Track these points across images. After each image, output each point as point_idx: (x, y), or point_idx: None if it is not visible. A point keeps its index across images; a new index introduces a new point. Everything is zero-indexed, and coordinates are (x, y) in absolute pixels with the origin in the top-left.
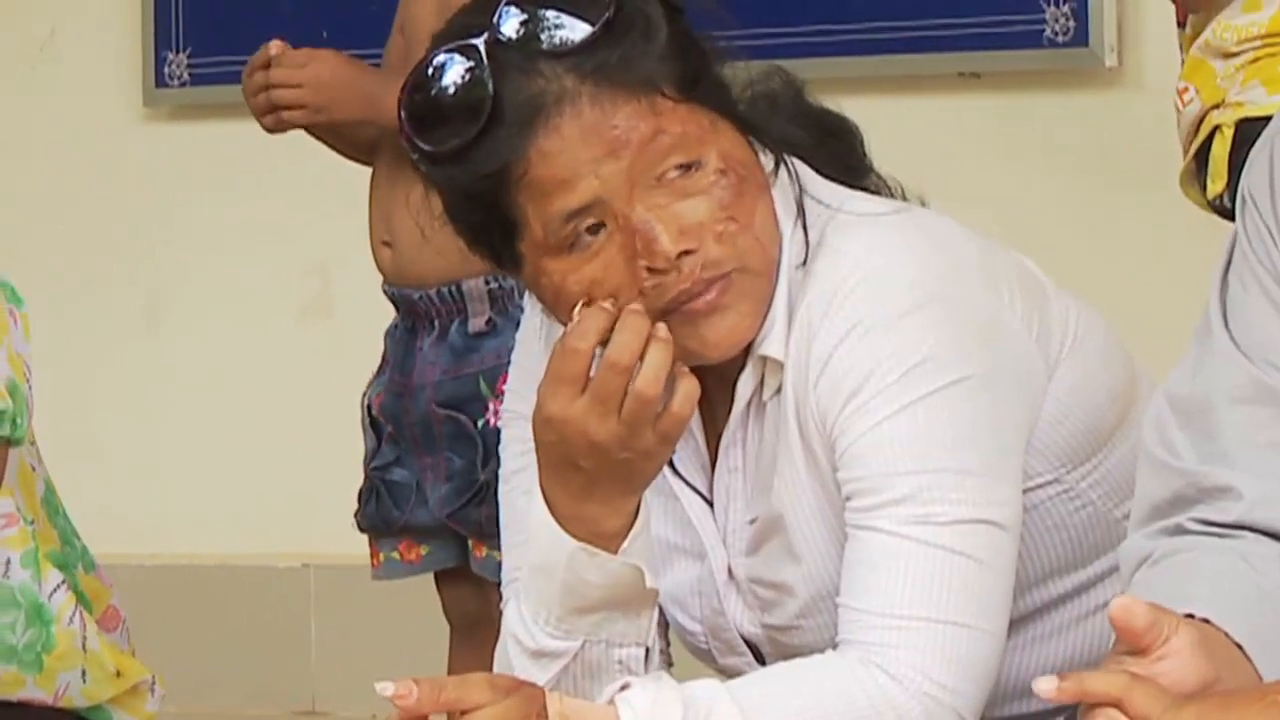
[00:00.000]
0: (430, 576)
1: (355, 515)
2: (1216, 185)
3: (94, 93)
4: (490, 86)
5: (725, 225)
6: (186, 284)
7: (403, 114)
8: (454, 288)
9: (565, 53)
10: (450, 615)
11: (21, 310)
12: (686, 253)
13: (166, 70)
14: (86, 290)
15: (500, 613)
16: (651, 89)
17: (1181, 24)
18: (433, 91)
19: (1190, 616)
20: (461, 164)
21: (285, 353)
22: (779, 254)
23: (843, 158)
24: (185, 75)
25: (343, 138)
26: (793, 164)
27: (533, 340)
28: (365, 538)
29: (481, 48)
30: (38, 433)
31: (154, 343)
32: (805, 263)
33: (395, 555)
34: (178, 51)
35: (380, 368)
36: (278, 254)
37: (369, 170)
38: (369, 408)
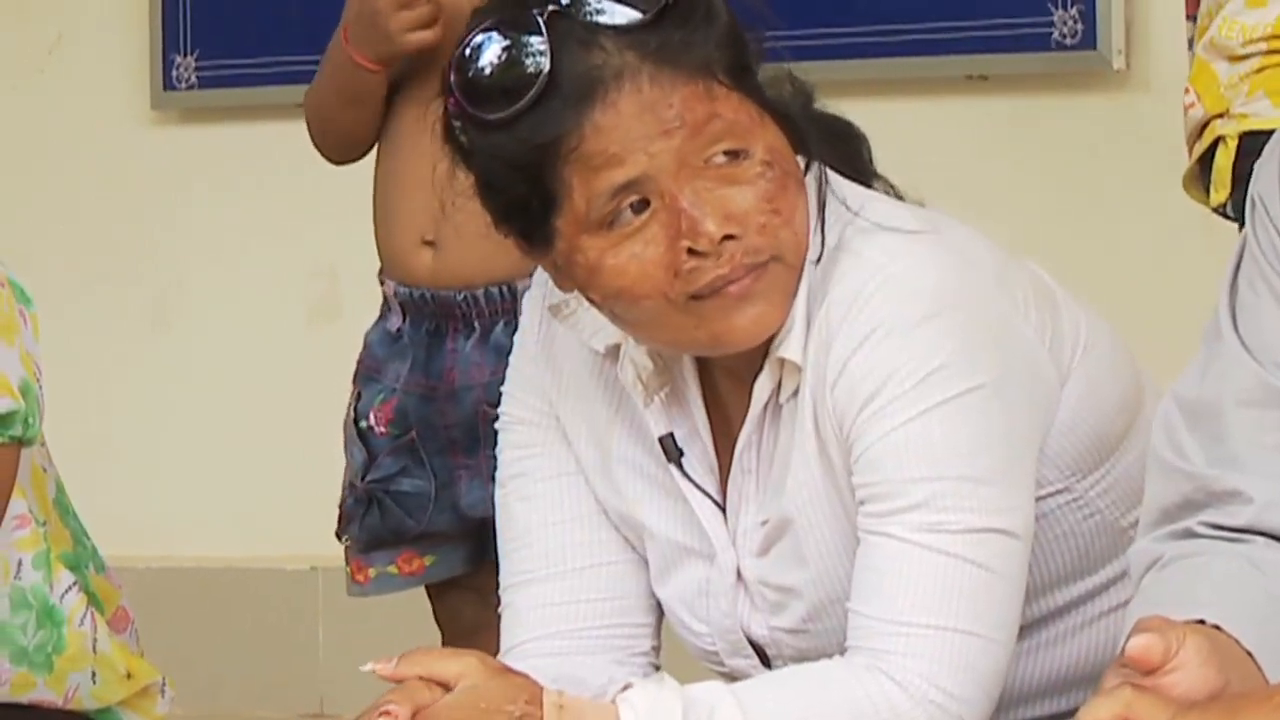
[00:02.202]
0: None
1: (345, 532)
2: (1219, 195)
3: (102, 96)
4: (549, 56)
5: (768, 217)
6: (194, 286)
7: (454, 79)
8: (505, 288)
9: (629, 29)
10: (443, 624)
11: (31, 310)
12: (729, 238)
13: (174, 73)
14: (95, 292)
15: (499, 618)
16: (708, 74)
17: (1190, 17)
18: (488, 58)
19: (1200, 622)
20: (512, 133)
21: (293, 355)
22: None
23: (849, 162)
24: (193, 78)
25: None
26: (823, 164)
27: (530, 344)
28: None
29: (541, 17)
30: (46, 434)
31: (162, 345)
32: (819, 260)
33: (392, 569)
34: (185, 54)
35: (368, 377)
36: (285, 256)
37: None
38: (360, 418)
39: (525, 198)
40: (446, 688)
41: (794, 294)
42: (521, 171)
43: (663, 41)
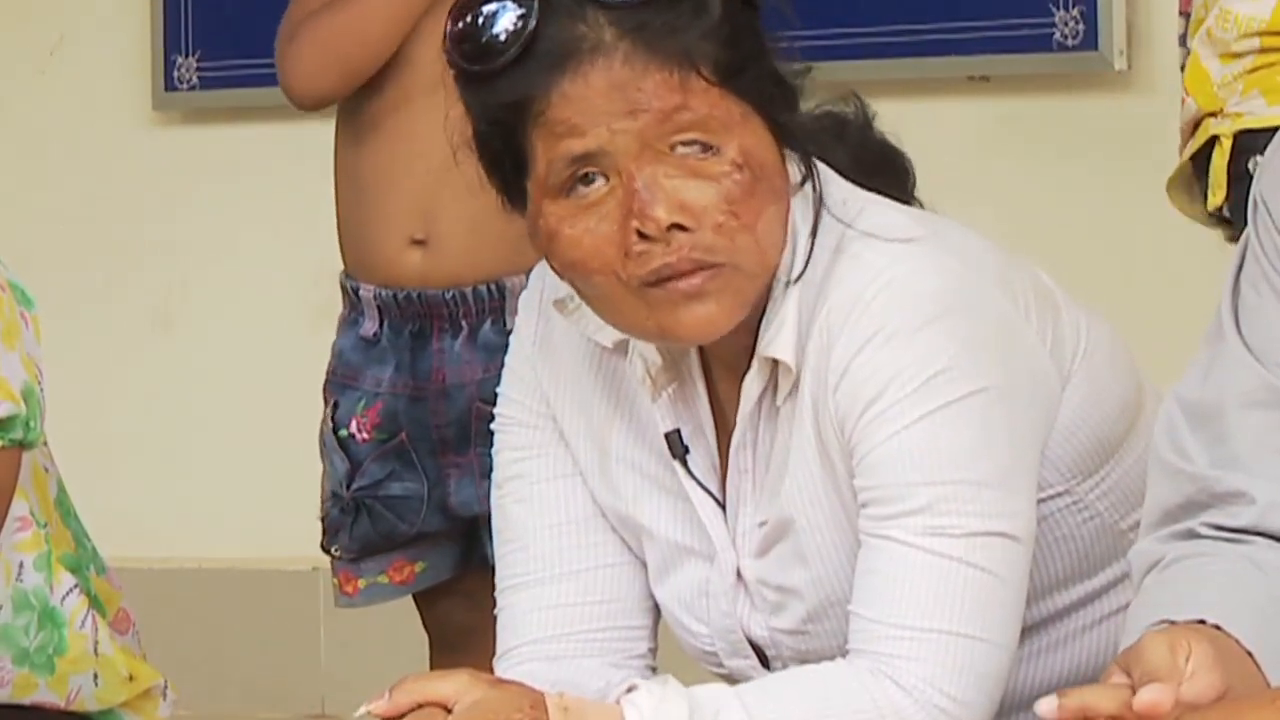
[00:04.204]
0: None
1: (334, 543)
2: (1216, 197)
3: (104, 96)
4: (534, 19)
5: (726, 219)
6: (197, 287)
7: (448, 28)
8: (494, 286)
9: (614, 5)
10: (433, 631)
11: (32, 312)
12: (679, 227)
13: (176, 74)
14: (97, 294)
15: (495, 620)
16: (687, 64)
17: (1184, 13)
18: (481, 14)
19: (1200, 622)
20: (490, 89)
21: (294, 356)
22: (779, 260)
23: (889, 190)
24: (195, 79)
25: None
26: (818, 177)
27: (526, 344)
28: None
29: None
30: (47, 434)
31: (164, 346)
32: (807, 265)
33: (382, 579)
34: (187, 55)
35: (343, 385)
36: (289, 257)
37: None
38: (339, 427)
39: (500, 155)
40: (445, 709)
41: (750, 300)
42: (497, 128)
43: (643, 23)
